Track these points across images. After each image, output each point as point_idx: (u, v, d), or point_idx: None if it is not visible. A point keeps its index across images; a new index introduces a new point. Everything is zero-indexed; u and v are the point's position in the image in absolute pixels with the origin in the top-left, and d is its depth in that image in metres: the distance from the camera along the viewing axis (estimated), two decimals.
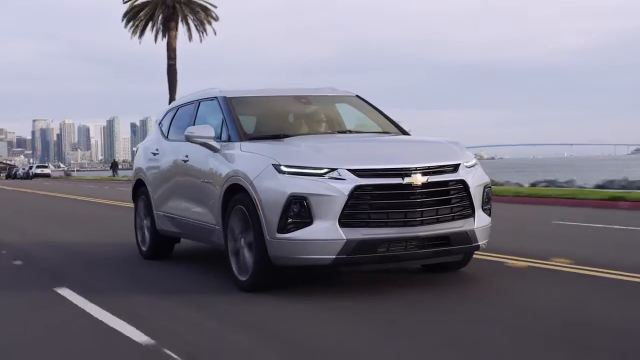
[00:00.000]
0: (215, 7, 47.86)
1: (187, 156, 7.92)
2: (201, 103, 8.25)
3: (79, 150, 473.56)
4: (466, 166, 6.65)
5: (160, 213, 8.61)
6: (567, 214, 14.18)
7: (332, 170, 6.18)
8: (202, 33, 47.78)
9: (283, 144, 6.83)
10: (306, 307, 5.95)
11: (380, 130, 7.95)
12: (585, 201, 16.41)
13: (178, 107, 8.97)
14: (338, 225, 6.07)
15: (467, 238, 6.50)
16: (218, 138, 7.38)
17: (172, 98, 45.67)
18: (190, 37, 47.94)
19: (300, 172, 6.24)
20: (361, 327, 5.32)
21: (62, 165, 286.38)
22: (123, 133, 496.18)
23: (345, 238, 6.05)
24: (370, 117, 8.23)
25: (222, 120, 7.53)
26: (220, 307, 6.12)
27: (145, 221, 9.10)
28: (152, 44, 52.48)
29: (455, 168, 6.54)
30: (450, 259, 6.81)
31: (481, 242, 6.67)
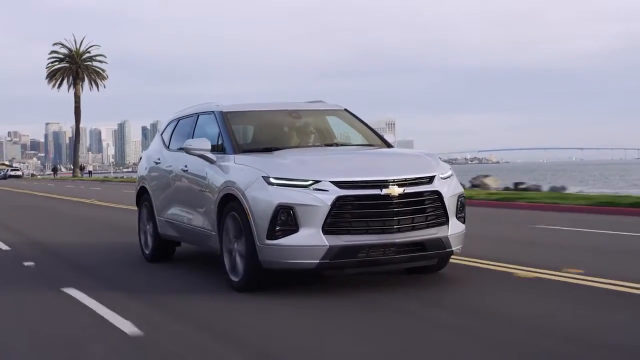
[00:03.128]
0: (104, 70, 76.66)
1: (186, 166, 8.53)
2: (200, 116, 8.86)
3: (90, 153, 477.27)
4: (441, 178, 7.24)
5: (162, 219, 9.22)
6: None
7: (317, 182, 6.79)
8: (97, 87, 76.32)
9: (272, 157, 7.43)
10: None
11: (366, 143, 8.55)
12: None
13: (179, 119, 9.58)
14: (322, 233, 6.67)
15: (441, 244, 7.10)
16: (214, 150, 7.99)
17: (77, 128, 79.74)
18: (90, 89, 76.84)
19: (287, 184, 6.85)
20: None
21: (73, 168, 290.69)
22: (134, 136, 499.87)
23: (328, 244, 6.65)
24: (357, 130, 8.83)
25: (218, 133, 8.14)
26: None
27: (148, 226, 9.72)
28: (66, 93, 77.35)
29: (430, 180, 7.13)
30: (425, 263, 7.42)
31: (455, 248, 7.27)
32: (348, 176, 6.85)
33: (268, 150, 7.80)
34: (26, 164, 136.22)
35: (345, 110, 9.10)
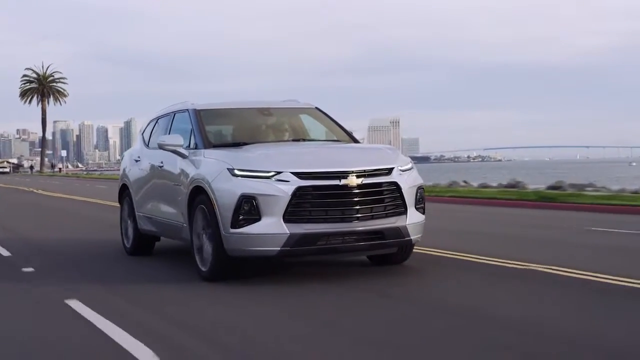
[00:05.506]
0: (65, 89, 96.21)
1: (162, 162, 8.88)
2: (176, 114, 9.22)
3: (97, 150, 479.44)
4: (400, 170, 7.58)
5: (141, 214, 9.57)
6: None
7: (278, 173, 7.13)
8: (60, 102, 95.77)
9: (239, 151, 7.78)
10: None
11: (335, 139, 8.89)
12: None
13: (158, 118, 9.94)
14: (282, 221, 7.01)
15: (400, 233, 7.43)
16: (187, 146, 8.34)
17: (44, 134, 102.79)
18: (55, 104, 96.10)
19: (250, 175, 7.19)
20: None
21: (80, 165, 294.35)
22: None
23: (288, 232, 6.99)
24: (327, 127, 9.18)
25: (191, 130, 8.49)
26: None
27: (129, 221, 10.07)
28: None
29: (389, 171, 7.46)
30: (386, 252, 7.74)
31: (413, 237, 7.60)
32: (308, 167, 7.19)
33: (237, 145, 8.15)
34: (34, 161, 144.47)
35: (316, 108, 9.44)
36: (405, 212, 7.49)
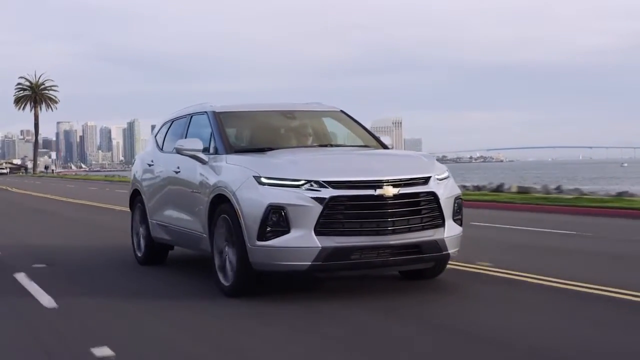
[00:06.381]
0: (56, 97, 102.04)
1: (178, 167, 8.36)
2: (193, 117, 8.70)
3: (100, 151, 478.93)
4: (437, 179, 7.06)
5: (154, 221, 9.05)
6: None
7: (309, 182, 6.60)
8: (51, 109, 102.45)
9: (264, 157, 7.26)
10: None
11: (362, 144, 8.37)
12: None
13: (173, 121, 9.42)
14: (313, 234, 6.49)
15: (438, 246, 6.91)
16: (207, 150, 7.82)
17: (36, 138, 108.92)
18: (46, 110, 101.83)
19: (279, 184, 6.67)
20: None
21: (83, 165, 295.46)
22: (143, 134, 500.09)
23: (320, 246, 6.47)
24: (353, 131, 8.65)
25: (211, 134, 7.97)
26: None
27: (140, 229, 9.55)
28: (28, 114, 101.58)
29: (426, 180, 6.94)
30: (421, 266, 7.20)
31: (451, 251, 7.07)
32: (341, 176, 6.67)
33: (261, 150, 7.63)
34: (38, 162, 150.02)
35: (341, 111, 8.93)
36: (443, 224, 6.97)
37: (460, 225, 7.26)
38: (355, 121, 8.77)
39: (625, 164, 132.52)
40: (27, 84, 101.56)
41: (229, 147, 7.66)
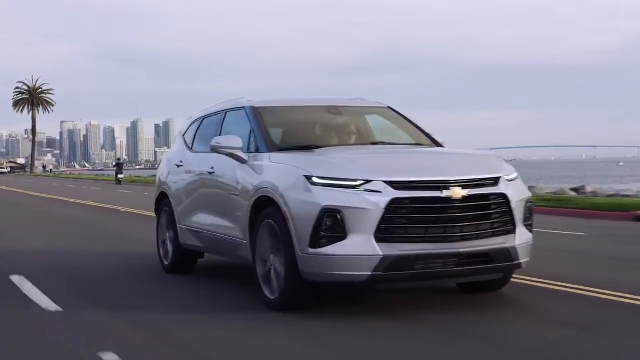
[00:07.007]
0: (52, 99, 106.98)
1: (212, 168, 7.65)
2: (228, 113, 7.99)
3: (104, 150, 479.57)
4: (507, 180, 6.33)
5: (184, 227, 8.33)
6: None
7: (368, 182, 5.88)
8: (48, 111, 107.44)
9: (314, 155, 6.56)
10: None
11: (413, 142, 7.66)
12: None
13: (204, 118, 8.72)
14: (374, 240, 5.76)
15: (509, 255, 6.18)
16: (246, 149, 7.12)
17: (34, 140, 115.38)
18: (44, 113, 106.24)
19: (334, 184, 5.95)
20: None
21: (87, 165, 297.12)
22: (147, 134, 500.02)
23: (381, 254, 5.74)
24: (402, 129, 7.94)
25: (250, 131, 7.26)
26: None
27: (168, 235, 8.83)
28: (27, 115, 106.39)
29: (495, 181, 6.22)
30: (490, 277, 6.46)
31: (522, 260, 6.33)
32: (404, 176, 5.95)
33: (307, 148, 6.91)
34: (42, 161, 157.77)
35: (389, 107, 8.21)
36: (514, 230, 6.22)
37: (531, 231, 6.51)
38: (405, 118, 8.05)
39: (622, 163, 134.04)
40: (25, 87, 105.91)
41: (272, 145, 6.95)
